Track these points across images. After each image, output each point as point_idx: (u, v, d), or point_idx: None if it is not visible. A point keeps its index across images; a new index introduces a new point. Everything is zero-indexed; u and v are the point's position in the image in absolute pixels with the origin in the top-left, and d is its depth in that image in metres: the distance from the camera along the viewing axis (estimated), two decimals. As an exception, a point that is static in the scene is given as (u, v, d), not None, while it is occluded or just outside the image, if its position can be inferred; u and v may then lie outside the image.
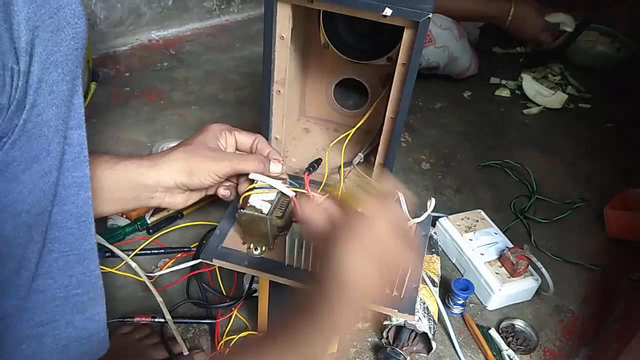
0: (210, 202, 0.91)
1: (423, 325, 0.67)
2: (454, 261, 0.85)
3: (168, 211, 0.87)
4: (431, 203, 0.61)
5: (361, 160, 0.73)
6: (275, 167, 0.65)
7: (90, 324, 0.46)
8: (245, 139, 0.69)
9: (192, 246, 0.82)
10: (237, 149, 0.70)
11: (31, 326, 0.42)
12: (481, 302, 0.79)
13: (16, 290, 0.38)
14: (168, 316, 0.68)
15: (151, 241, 0.82)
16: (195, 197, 0.68)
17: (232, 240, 0.61)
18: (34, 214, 0.36)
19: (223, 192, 0.68)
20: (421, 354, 0.70)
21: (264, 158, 0.65)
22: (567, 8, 1.49)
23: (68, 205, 0.39)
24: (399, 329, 0.70)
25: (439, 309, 0.72)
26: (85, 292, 0.44)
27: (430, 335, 0.67)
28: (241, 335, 0.70)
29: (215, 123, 0.68)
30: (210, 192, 0.69)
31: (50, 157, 0.36)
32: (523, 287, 0.78)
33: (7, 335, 0.40)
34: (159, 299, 0.70)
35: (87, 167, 0.40)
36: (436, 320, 0.71)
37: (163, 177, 0.61)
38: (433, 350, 0.68)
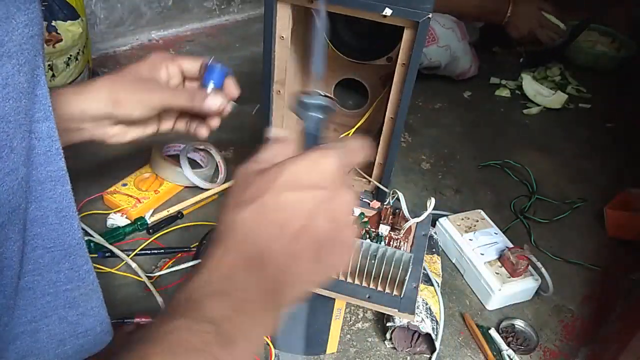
0: (210, 201, 0.91)
1: (426, 326, 0.67)
2: (454, 261, 0.85)
3: (168, 211, 0.87)
4: (431, 203, 0.61)
5: (361, 160, 0.73)
6: (213, 100, 0.59)
7: (85, 319, 0.46)
8: (192, 65, 0.63)
9: (192, 246, 0.81)
10: (185, 79, 0.64)
11: (23, 323, 0.42)
12: (481, 302, 0.79)
13: (1, 289, 0.38)
14: (168, 316, 0.68)
15: (151, 241, 0.82)
16: (135, 132, 0.63)
17: (232, 240, 0.61)
18: (5, 213, 0.35)
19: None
20: (424, 355, 0.70)
21: (199, 92, 0.60)
22: (568, 9, 1.49)
23: (46, 200, 0.39)
24: (402, 329, 0.70)
25: (439, 309, 0.72)
26: (75, 287, 0.44)
27: (433, 336, 0.67)
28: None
29: (156, 53, 0.63)
30: (150, 129, 0.64)
31: (15, 153, 0.34)
32: (523, 287, 0.78)
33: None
34: (159, 299, 0.70)
35: (61, 160, 0.39)
36: (439, 321, 0.71)
37: (88, 105, 0.56)
38: (437, 352, 0.68)
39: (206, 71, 0.62)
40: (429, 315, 0.68)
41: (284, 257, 0.35)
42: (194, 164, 0.94)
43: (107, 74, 0.59)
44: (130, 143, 0.64)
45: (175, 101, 0.59)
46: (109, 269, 0.76)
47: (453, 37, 1.25)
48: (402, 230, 0.64)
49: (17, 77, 0.33)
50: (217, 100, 0.60)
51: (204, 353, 0.31)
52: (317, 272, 0.38)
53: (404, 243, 0.64)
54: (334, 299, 0.61)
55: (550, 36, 1.40)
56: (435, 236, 0.83)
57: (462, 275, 0.83)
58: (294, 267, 0.36)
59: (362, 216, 0.65)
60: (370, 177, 0.71)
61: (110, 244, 0.77)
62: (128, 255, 0.77)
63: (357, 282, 0.57)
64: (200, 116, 0.65)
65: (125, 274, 0.76)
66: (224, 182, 0.93)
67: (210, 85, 0.61)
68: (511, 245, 0.81)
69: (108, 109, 0.57)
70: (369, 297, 0.56)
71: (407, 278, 0.55)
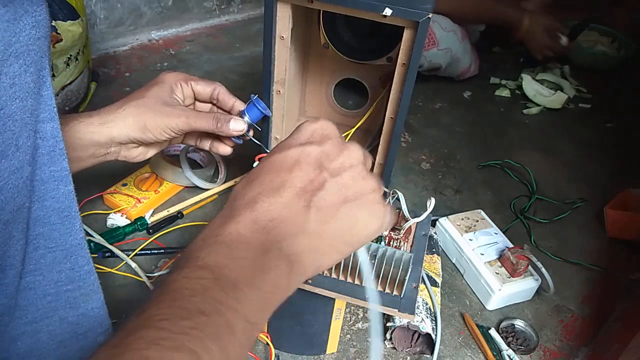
0: (210, 201, 0.91)
1: (427, 326, 0.67)
2: (454, 261, 0.85)
3: (168, 211, 0.87)
4: (431, 203, 0.61)
5: (361, 160, 0.73)
6: (237, 125, 0.64)
7: (85, 320, 0.46)
8: (204, 88, 0.67)
9: (192, 246, 0.81)
10: (196, 100, 0.68)
11: (25, 323, 0.42)
12: (481, 302, 0.79)
13: (3, 288, 0.38)
14: (168, 316, 0.68)
15: (151, 241, 0.82)
16: (154, 150, 0.68)
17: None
18: (10, 211, 0.35)
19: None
20: (424, 355, 0.70)
21: (223, 116, 0.64)
22: (568, 9, 1.49)
23: (49, 200, 0.39)
24: (402, 329, 0.70)
25: (432, 307, 0.72)
26: (76, 287, 0.44)
27: (433, 337, 0.67)
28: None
29: (170, 72, 0.67)
30: (165, 144, 0.70)
31: (20, 152, 0.35)
32: (523, 287, 0.78)
33: (0, 332, 0.40)
34: (159, 299, 0.70)
35: (64, 161, 0.39)
36: (439, 321, 0.71)
37: (116, 133, 0.60)
38: (437, 352, 0.68)
39: (248, 105, 0.68)
40: (429, 316, 0.68)
41: (289, 216, 0.36)
42: (194, 164, 0.94)
43: (130, 100, 0.62)
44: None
45: (200, 125, 0.62)
46: (109, 269, 0.76)
47: (454, 40, 1.25)
48: (402, 230, 0.64)
49: (23, 77, 0.34)
50: (239, 125, 0.64)
51: (203, 297, 0.31)
52: (338, 234, 0.38)
53: (404, 243, 0.64)
54: (334, 299, 0.61)
55: (545, 53, 1.42)
56: (435, 236, 0.83)
57: (462, 275, 0.83)
58: (302, 225, 0.36)
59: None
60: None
61: (111, 244, 0.77)
62: (128, 256, 0.77)
63: (357, 282, 0.57)
64: (218, 135, 0.69)
65: (125, 274, 0.76)
66: (224, 182, 0.93)
67: (246, 118, 0.67)
68: (511, 245, 0.81)
69: (136, 135, 0.61)
70: (369, 297, 0.56)
71: (407, 278, 0.55)
